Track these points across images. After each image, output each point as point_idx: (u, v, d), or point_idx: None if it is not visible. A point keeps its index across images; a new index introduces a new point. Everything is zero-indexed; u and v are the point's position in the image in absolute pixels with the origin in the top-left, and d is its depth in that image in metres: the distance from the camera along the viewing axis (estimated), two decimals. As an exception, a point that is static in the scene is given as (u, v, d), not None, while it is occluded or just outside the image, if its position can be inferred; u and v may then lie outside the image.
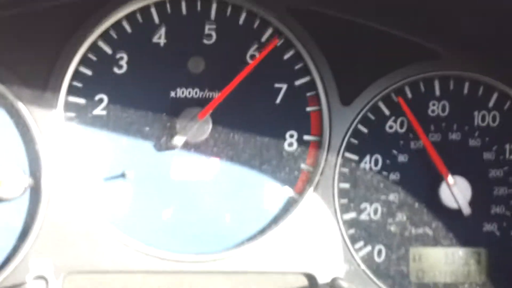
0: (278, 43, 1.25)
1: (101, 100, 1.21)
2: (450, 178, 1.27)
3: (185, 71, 1.23)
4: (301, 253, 1.25)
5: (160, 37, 1.22)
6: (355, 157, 1.29)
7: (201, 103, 1.22)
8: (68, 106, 1.21)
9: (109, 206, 1.21)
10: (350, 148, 1.28)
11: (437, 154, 1.28)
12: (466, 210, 1.27)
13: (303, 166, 1.27)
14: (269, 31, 1.26)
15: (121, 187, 1.21)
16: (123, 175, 1.20)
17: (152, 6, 1.22)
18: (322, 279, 1.25)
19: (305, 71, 1.27)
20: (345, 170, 1.28)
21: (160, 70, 1.22)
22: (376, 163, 1.29)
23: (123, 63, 1.21)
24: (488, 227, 1.32)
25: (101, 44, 1.21)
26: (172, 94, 1.22)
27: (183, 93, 1.22)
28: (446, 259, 1.31)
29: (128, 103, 1.21)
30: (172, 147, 1.21)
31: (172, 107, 1.21)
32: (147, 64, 1.22)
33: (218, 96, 1.21)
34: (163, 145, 1.21)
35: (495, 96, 1.32)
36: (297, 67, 1.27)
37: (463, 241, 1.31)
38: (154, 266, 1.20)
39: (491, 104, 1.32)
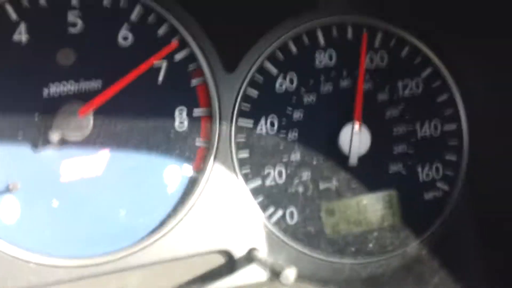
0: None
1: None
2: (357, 126, 1.26)
3: (54, 65, 1.15)
4: (213, 231, 1.21)
5: (20, 34, 1.13)
6: (249, 123, 1.25)
7: (78, 96, 1.14)
8: None
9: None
10: (242, 114, 1.24)
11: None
12: (353, 161, 1.26)
13: (198, 142, 1.22)
14: (137, 8, 1.19)
15: (9, 201, 1.13)
16: (8, 189, 1.12)
17: (7, 3, 1.12)
18: (238, 253, 1.22)
19: (183, 44, 1.21)
20: (241, 138, 1.25)
21: (27, 69, 1.13)
22: (272, 125, 1.26)
23: None
24: (393, 168, 1.32)
25: None
26: (45, 92, 1.14)
27: (57, 89, 1.15)
28: (358, 208, 1.30)
29: None
30: (51, 145, 1.13)
31: (47, 107, 1.14)
32: (11, 65, 1.13)
33: (104, 92, 1.14)
34: (44, 149, 1.14)
35: (379, 36, 1.30)
36: (173, 41, 1.21)
37: (372, 186, 1.31)
38: (57, 277, 1.13)
39: (376, 45, 1.31)
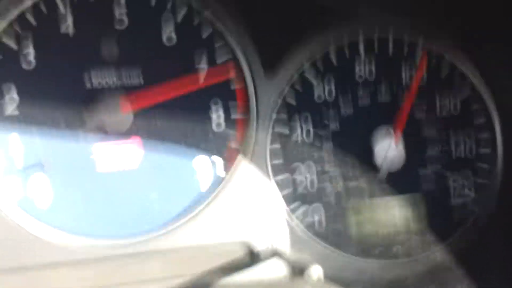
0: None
1: (12, 100, 1.14)
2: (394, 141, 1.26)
3: (99, 59, 1.17)
4: (241, 230, 1.22)
5: (68, 27, 1.16)
6: (285, 131, 1.26)
7: (120, 91, 1.17)
8: None
9: (31, 200, 1.15)
10: (279, 121, 1.25)
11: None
12: (383, 174, 1.27)
13: (233, 144, 1.23)
14: (183, 9, 1.21)
15: (45, 183, 1.15)
16: (40, 166, 1.14)
17: None
18: (261, 246, 1.22)
19: (226, 48, 1.22)
20: (277, 145, 1.25)
21: (72, 61, 1.16)
22: (308, 134, 1.26)
23: (31, 58, 1.14)
24: (425, 186, 1.31)
25: (6, 40, 1.14)
26: (88, 85, 1.16)
27: (99, 83, 1.17)
28: (386, 209, 1.30)
29: (41, 100, 1.14)
30: (95, 141, 1.16)
31: (89, 98, 1.16)
32: (57, 57, 1.15)
33: (150, 94, 1.17)
34: (83, 139, 1.16)
35: (419, 53, 1.31)
36: (217, 45, 1.22)
37: (401, 201, 1.30)
38: (85, 254, 1.15)
39: (417, 62, 1.31)
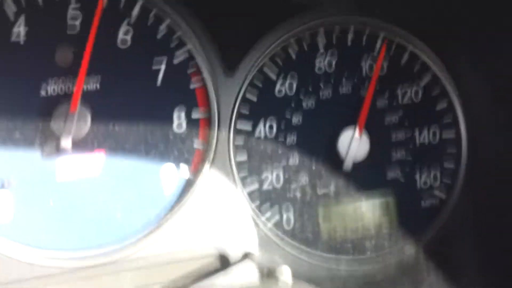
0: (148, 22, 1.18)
1: None
2: (357, 133, 1.26)
3: (52, 65, 1.14)
4: (208, 234, 1.21)
5: (18, 35, 1.13)
6: (248, 127, 1.24)
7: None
8: None
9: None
10: (241, 118, 1.24)
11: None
12: (348, 166, 1.26)
13: (196, 144, 1.22)
14: (137, 7, 1.18)
15: (4, 198, 1.13)
16: (2, 186, 1.11)
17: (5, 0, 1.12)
18: (234, 257, 1.21)
19: (182, 46, 1.20)
20: (240, 142, 1.24)
21: (24, 69, 1.13)
22: (270, 129, 1.26)
23: None
24: (391, 174, 1.31)
25: None
26: (43, 92, 1.14)
27: (54, 90, 1.14)
28: (356, 214, 1.30)
29: None
30: (60, 152, 1.13)
31: (44, 106, 1.13)
32: (9, 64, 1.12)
33: (77, 84, 1.12)
34: (40, 149, 1.13)
35: (379, 42, 1.30)
36: (173, 44, 1.20)
37: (369, 193, 1.30)
38: (50, 270, 1.12)
39: (376, 51, 1.30)
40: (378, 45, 1.30)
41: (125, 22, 1.17)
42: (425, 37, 1.32)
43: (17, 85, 1.13)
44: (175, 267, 1.19)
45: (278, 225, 1.26)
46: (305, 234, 1.27)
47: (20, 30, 1.12)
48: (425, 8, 1.29)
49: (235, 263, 1.21)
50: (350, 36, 1.29)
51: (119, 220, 1.18)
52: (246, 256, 1.20)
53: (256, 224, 1.24)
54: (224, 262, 1.21)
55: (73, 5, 1.14)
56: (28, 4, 1.12)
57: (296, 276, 1.11)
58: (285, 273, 1.07)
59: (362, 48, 1.29)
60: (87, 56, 1.12)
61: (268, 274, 1.11)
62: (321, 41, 1.27)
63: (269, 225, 1.25)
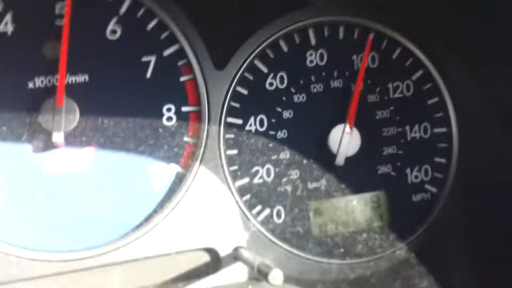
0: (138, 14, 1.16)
1: None
2: (348, 128, 1.25)
3: (40, 58, 1.12)
4: (199, 229, 1.19)
5: (6, 25, 1.11)
6: (238, 121, 1.23)
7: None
8: None
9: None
10: (232, 112, 1.23)
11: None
12: (340, 161, 1.25)
13: (186, 139, 1.21)
14: (127, 2, 1.17)
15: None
16: None
17: None
18: (223, 252, 1.20)
19: (173, 39, 1.19)
20: (230, 136, 1.23)
21: (12, 61, 1.11)
22: (261, 124, 1.24)
23: None
24: (382, 169, 1.31)
25: None
26: (30, 85, 1.12)
27: (42, 82, 1.12)
28: (347, 208, 1.29)
29: None
30: (51, 146, 1.11)
31: (32, 99, 1.11)
32: None
33: (59, 76, 1.10)
34: (28, 142, 1.11)
35: (371, 37, 1.29)
36: (163, 36, 1.19)
37: (360, 188, 1.29)
38: (38, 271, 1.11)
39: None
40: (367, 38, 1.29)
41: (115, 16, 1.16)
42: (415, 38, 1.31)
43: (4, 77, 1.11)
44: (165, 263, 1.18)
45: (269, 219, 1.25)
46: (296, 228, 1.26)
47: (7, 20, 1.10)
48: (414, 9, 1.29)
49: (226, 257, 1.19)
50: (341, 30, 1.28)
51: (108, 216, 1.16)
52: (237, 250, 1.19)
53: (247, 218, 1.23)
54: (215, 257, 1.20)
55: None
56: None
57: (287, 274, 1.09)
58: (276, 276, 1.05)
59: (353, 41, 1.28)
60: (65, 45, 1.10)
61: (259, 276, 1.09)
62: (312, 35, 1.26)
63: (260, 219, 1.24)
